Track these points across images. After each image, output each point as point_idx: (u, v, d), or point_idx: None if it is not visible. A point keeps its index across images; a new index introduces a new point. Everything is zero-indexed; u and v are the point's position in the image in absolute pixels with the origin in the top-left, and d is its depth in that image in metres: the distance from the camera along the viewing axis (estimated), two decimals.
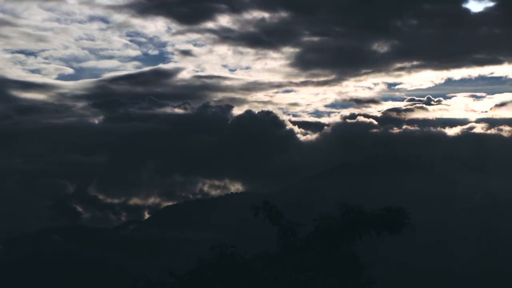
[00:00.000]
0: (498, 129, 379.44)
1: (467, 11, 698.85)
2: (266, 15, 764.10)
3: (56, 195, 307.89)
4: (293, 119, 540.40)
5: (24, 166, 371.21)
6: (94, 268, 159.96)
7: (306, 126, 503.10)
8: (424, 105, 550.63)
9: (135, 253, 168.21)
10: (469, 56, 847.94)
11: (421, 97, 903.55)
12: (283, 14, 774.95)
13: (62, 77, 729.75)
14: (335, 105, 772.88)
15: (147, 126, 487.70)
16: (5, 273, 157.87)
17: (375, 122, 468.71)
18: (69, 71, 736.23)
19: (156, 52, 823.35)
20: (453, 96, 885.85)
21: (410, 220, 12.65)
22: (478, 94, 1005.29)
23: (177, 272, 12.01)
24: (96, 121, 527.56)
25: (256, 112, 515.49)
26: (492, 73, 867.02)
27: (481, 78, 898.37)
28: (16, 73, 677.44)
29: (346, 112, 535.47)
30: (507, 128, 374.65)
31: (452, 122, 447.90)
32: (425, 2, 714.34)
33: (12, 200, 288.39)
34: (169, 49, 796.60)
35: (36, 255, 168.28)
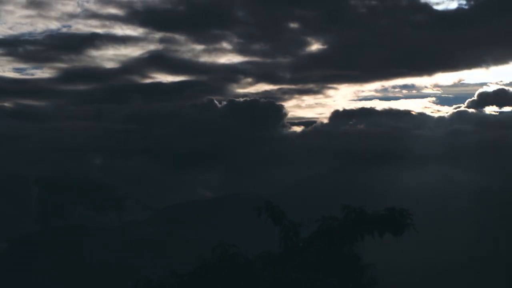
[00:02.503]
0: (484, 127, 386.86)
1: (458, 15, 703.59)
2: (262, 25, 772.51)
3: (56, 195, 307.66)
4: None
5: (24, 167, 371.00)
6: (95, 268, 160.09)
7: (300, 126, 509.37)
8: (414, 105, 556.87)
9: (136, 253, 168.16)
10: (458, 60, 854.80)
11: (413, 98, 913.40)
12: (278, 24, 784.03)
13: (58, 80, 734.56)
14: (328, 109, 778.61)
15: (146, 126, 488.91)
16: (7, 272, 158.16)
17: (368, 123, 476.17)
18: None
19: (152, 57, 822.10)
20: (445, 96, 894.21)
21: (412, 220, 12.61)
22: (467, 94, 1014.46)
23: (178, 272, 11.98)
24: (94, 122, 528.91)
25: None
26: (481, 76, 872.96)
27: (471, 82, 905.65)
28: (13, 76, 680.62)
29: (341, 113, 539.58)
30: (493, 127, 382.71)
31: (442, 121, 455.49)
32: (419, 12, 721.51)
33: (13, 201, 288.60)
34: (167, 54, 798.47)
35: (37, 255, 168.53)
